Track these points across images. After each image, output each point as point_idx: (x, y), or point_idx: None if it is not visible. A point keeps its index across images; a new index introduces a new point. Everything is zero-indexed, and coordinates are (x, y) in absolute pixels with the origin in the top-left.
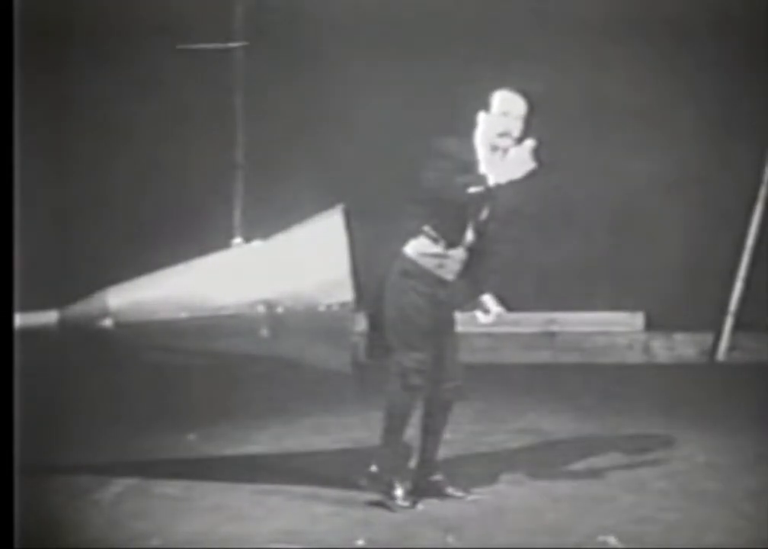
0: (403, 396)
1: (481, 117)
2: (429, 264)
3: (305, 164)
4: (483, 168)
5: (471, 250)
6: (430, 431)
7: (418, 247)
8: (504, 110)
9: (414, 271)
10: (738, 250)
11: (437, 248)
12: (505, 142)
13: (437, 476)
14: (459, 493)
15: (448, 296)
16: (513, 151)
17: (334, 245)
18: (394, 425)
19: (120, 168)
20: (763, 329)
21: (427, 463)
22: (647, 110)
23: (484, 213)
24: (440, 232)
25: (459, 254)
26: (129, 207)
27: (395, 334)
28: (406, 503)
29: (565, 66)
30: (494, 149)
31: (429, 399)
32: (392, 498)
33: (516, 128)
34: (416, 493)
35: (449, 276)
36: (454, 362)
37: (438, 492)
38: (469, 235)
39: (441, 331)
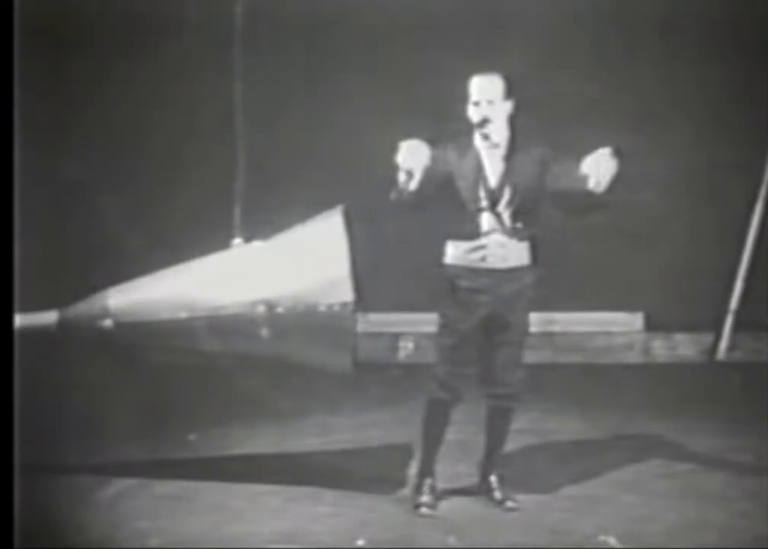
0: (430, 406)
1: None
2: (471, 260)
3: (305, 164)
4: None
5: (511, 231)
6: (488, 436)
7: (452, 250)
8: (474, 99)
9: (457, 273)
10: (738, 250)
11: (473, 242)
12: (488, 128)
13: (492, 478)
14: (499, 497)
15: (499, 292)
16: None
17: (334, 245)
18: (426, 432)
19: (120, 168)
20: (763, 329)
21: (486, 464)
22: (647, 110)
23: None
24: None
25: (496, 239)
26: (130, 206)
27: (435, 343)
28: (427, 506)
29: (564, 66)
30: (485, 136)
31: (487, 404)
32: (418, 500)
33: (494, 112)
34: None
35: (500, 264)
36: (506, 368)
37: (486, 494)
38: (487, 221)
39: (489, 336)
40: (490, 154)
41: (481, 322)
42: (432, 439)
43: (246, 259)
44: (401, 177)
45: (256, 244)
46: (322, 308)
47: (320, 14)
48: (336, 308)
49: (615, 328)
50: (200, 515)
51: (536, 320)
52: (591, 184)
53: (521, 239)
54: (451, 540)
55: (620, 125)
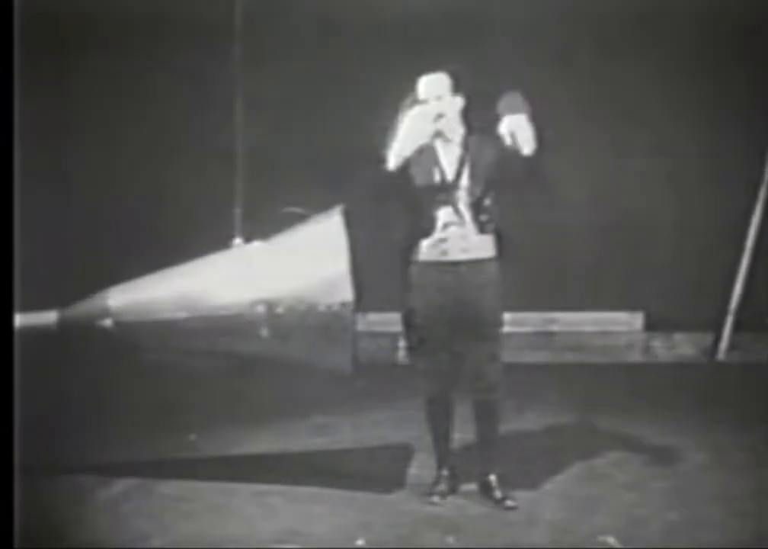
0: (428, 404)
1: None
2: (434, 255)
3: (305, 164)
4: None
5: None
6: (478, 432)
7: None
8: (424, 96)
9: (423, 269)
10: (738, 250)
11: (433, 237)
12: (440, 124)
13: (491, 477)
14: (499, 496)
15: (463, 285)
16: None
17: (334, 245)
18: (431, 428)
19: (120, 168)
20: (763, 328)
21: (482, 461)
22: (646, 110)
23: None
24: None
25: (456, 232)
26: (130, 206)
27: (408, 338)
28: (439, 495)
29: (563, 66)
30: (438, 132)
31: (472, 401)
32: (432, 489)
33: (444, 107)
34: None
35: (460, 255)
36: (481, 362)
37: (486, 493)
38: (445, 214)
39: (461, 331)
40: (445, 149)
41: (450, 317)
42: (438, 434)
43: (246, 259)
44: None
45: (256, 244)
46: (322, 308)
47: (320, 14)
48: (336, 308)
49: (615, 328)
50: (201, 515)
51: (536, 320)
52: (518, 146)
53: (484, 231)
54: (451, 540)
55: (620, 125)
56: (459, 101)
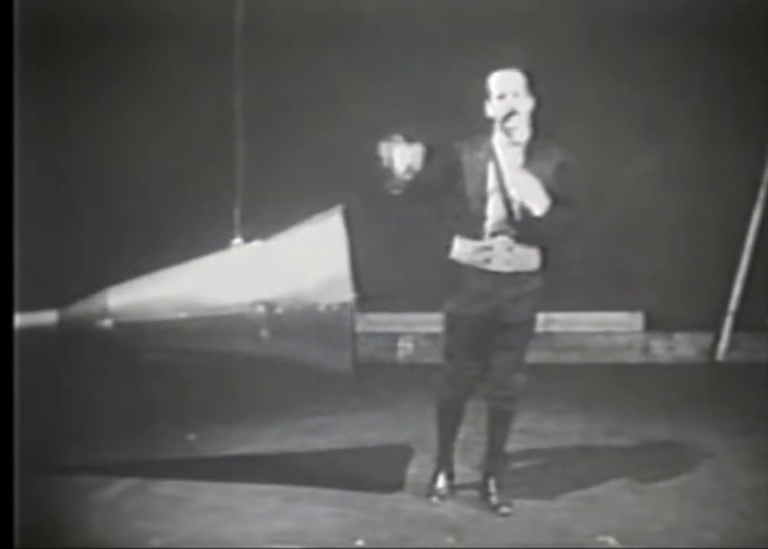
0: (441, 403)
1: (487, 106)
2: (475, 260)
3: (305, 164)
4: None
5: (518, 236)
6: (488, 438)
7: (459, 247)
8: (499, 92)
9: (460, 272)
10: (738, 250)
11: (479, 242)
12: (514, 122)
13: (491, 482)
14: (495, 502)
15: (502, 295)
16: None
17: (334, 245)
18: (440, 428)
19: (120, 167)
20: (763, 329)
21: (486, 466)
22: (646, 110)
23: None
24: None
25: (504, 242)
26: (129, 207)
27: (441, 339)
28: (438, 496)
29: (562, 67)
30: (508, 132)
31: (488, 407)
32: (431, 489)
33: (520, 105)
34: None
35: (504, 267)
36: (507, 371)
37: (484, 498)
38: (493, 222)
39: (490, 338)
40: (508, 152)
41: (482, 322)
42: (446, 434)
43: (246, 259)
44: (400, 171)
45: (256, 244)
46: (322, 308)
47: (320, 14)
48: (335, 308)
49: (615, 328)
50: (200, 515)
51: (536, 320)
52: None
53: (530, 243)
54: (450, 541)
55: (620, 125)
56: (530, 102)
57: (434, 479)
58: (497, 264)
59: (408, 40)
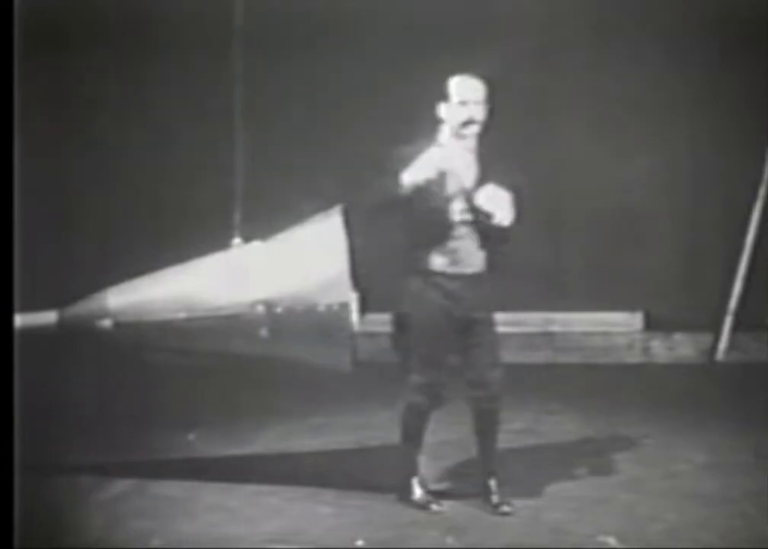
0: (408, 412)
1: (443, 108)
2: (442, 265)
3: (305, 164)
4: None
5: (482, 238)
6: (478, 438)
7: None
8: (461, 98)
9: (430, 278)
10: (738, 250)
11: (444, 247)
12: (471, 129)
13: (491, 482)
14: (496, 501)
15: (469, 296)
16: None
17: (334, 245)
18: (407, 434)
19: (120, 168)
20: (763, 329)
21: (483, 466)
22: (646, 110)
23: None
24: (422, 235)
25: (467, 245)
26: (129, 207)
27: (404, 353)
28: (426, 502)
29: (562, 66)
30: (462, 137)
31: (471, 408)
32: (409, 498)
33: (479, 113)
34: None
35: (469, 269)
36: (484, 369)
37: (485, 497)
38: (456, 227)
39: (462, 340)
40: (463, 156)
41: (452, 328)
42: (413, 442)
43: (246, 259)
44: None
45: (255, 244)
46: (322, 308)
47: (320, 14)
48: (336, 308)
49: (615, 328)
50: (200, 515)
51: (536, 320)
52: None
53: (489, 245)
54: (450, 541)
55: (620, 125)
56: (485, 111)
57: (409, 488)
58: (463, 266)
59: (408, 39)
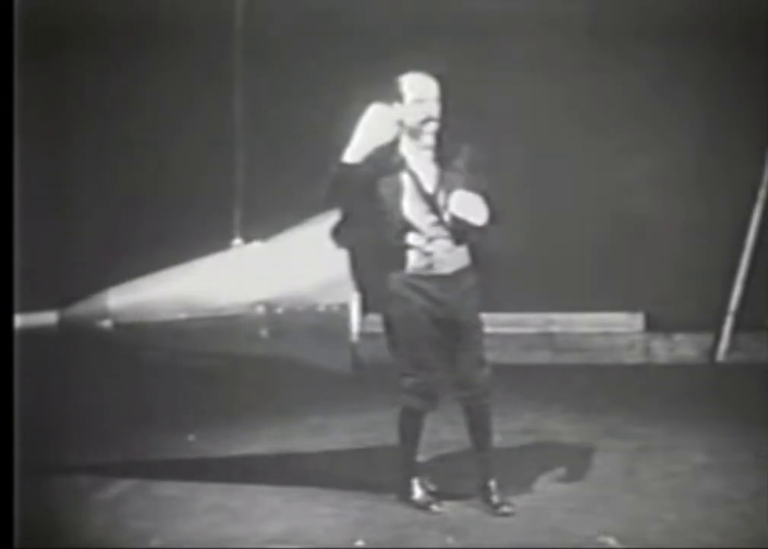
0: (403, 413)
1: (396, 107)
2: (418, 268)
3: (305, 164)
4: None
5: (452, 238)
6: (473, 438)
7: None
8: (417, 96)
9: (408, 281)
10: (738, 250)
11: (423, 249)
12: (431, 127)
13: (491, 483)
14: (496, 501)
15: (450, 296)
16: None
17: (334, 245)
18: (404, 436)
19: (120, 168)
20: (763, 329)
21: (481, 465)
22: (646, 110)
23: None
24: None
25: (441, 245)
26: (129, 207)
27: (395, 356)
28: (429, 503)
29: (561, 66)
30: (418, 136)
31: (463, 407)
32: (409, 498)
33: (436, 110)
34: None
35: (446, 269)
36: (472, 368)
37: (485, 498)
38: (429, 227)
39: (447, 341)
40: (419, 158)
41: (436, 329)
42: (410, 443)
43: (246, 260)
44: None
45: (256, 244)
46: (322, 308)
47: (320, 14)
48: (336, 308)
49: (615, 328)
50: (200, 516)
51: (536, 320)
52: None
53: (461, 243)
54: (450, 541)
55: (619, 126)
56: (439, 108)
57: (409, 489)
58: (440, 267)
59: (410, 41)
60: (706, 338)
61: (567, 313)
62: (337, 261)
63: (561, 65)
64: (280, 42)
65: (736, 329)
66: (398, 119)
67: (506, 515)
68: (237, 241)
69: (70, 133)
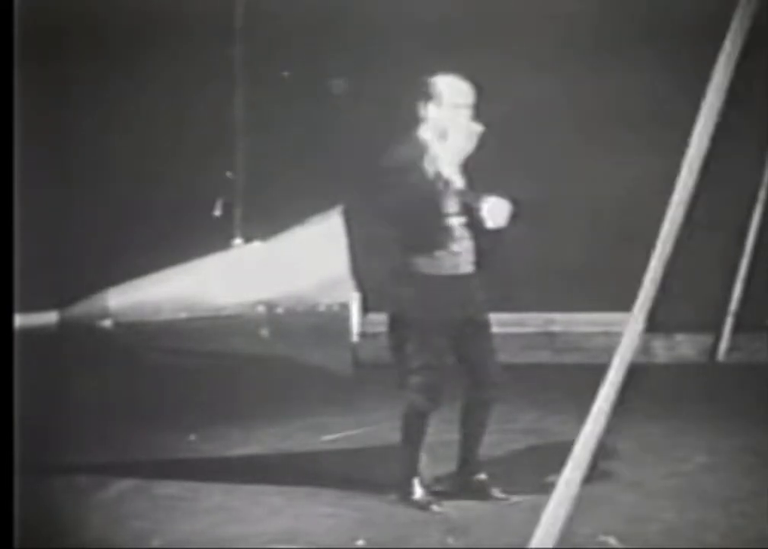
0: (408, 412)
1: (431, 109)
2: (445, 268)
3: (305, 164)
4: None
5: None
6: (468, 432)
7: (427, 260)
8: (455, 100)
9: (432, 281)
10: (738, 250)
11: (446, 251)
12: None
13: (481, 476)
14: (502, 495)
15: (471, 295)
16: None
17: (334, 245)
18: (407, 435)
19: (121, 168)
20: (763, 329)
21: (469, 462)
22: (646, 110)
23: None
24: (422, 239)
25: (467, 246)
26: (130, 207)
27: (399, 356)
28: (429, 503)
29: (561, 67)
30: (443, 138)
31: (464, 400)
32: (409, 498)
33: (467, 117)
34: (459, 494)
35: (462, 270)
36: (485, 364)
37: (482, 493)
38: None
39: (464, 340)
40: (451, 160)
41: (455, 328)
42: (414, 443)
43: (246, 259)
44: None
45: (256, 244)
46: (322, 308)
47: (321, 14)
48: (336, 308)
49: (615, 328)
50: (200, 515)
51: (537, 320)
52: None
53: (476, 246)
54: (450, 541)
55: (619, 126)
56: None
57: (410, 488)
58: (465, 267)
59: (410, 41)
60: (706, 338)
61: (567, 312)
62: (337, 261)
63: (561, 67)
64: (280, 42)
65: (736, 329)
66: (435, 119)
67: (515, 504)
68: (237, 241)
69: (70, 132)
